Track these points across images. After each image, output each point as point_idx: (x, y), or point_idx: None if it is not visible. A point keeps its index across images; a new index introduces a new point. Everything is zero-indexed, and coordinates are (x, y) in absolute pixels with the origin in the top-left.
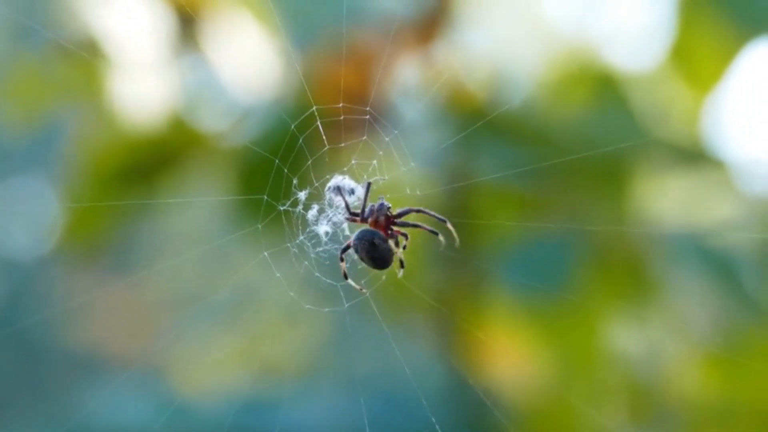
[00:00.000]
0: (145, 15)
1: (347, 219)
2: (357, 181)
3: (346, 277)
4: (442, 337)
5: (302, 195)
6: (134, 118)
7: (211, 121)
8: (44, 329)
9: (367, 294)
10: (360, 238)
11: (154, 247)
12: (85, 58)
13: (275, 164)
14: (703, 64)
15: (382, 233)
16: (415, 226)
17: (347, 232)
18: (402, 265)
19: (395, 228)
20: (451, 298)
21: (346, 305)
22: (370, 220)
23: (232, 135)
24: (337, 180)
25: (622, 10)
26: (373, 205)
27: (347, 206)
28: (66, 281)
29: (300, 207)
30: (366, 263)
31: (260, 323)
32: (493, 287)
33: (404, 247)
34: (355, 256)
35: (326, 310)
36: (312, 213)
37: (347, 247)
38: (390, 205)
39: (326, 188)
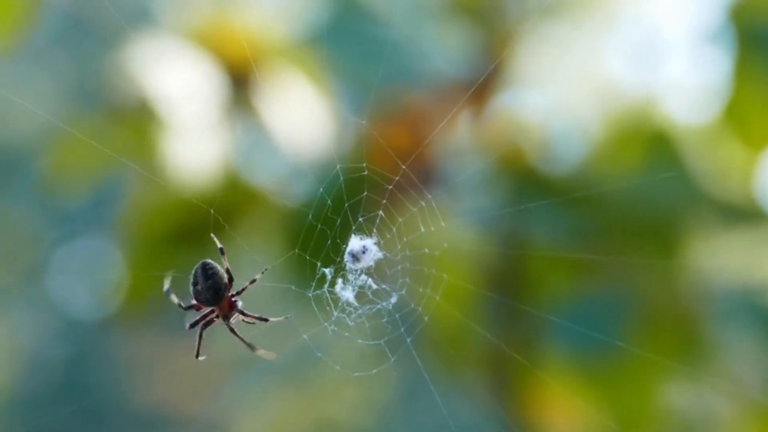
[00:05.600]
0: (198, 77)
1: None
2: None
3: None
4: (494, 395)
5: (339, 288)
6: (187, 179)
7: (263, 182)
8: (108, 389)
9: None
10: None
11: None
12: (139, 120)
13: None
14: (757, 122)
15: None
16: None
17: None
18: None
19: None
20: (502, 357)
21: (392, 359)
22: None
23: (283, 197)
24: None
25: (676, 68)
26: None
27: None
28: (129, 342)
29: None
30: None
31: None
32: (546, 346)
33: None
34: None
35: (374, 371)
36: (338, 286)
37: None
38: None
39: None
